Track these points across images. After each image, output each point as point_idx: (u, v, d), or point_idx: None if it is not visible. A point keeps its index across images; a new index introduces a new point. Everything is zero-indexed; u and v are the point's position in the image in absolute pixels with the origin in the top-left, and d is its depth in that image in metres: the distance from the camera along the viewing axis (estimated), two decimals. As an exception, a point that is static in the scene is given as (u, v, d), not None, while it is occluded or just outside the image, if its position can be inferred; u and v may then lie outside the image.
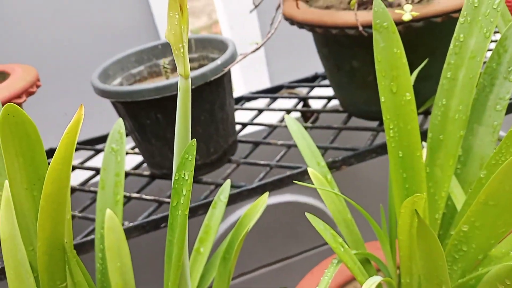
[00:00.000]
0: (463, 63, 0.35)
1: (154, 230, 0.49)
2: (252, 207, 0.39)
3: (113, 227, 0.36)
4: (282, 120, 0.63)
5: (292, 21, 0.54)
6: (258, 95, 0.73)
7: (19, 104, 0.49)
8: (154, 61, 0.58)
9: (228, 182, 0.42)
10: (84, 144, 0.67)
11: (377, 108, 0.38)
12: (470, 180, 0.38)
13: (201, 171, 0.54)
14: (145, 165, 0.59)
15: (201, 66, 0.56)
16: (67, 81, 0.77)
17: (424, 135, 0.39)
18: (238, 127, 0.63)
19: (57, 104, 0.76)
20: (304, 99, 0.70)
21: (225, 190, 0.42)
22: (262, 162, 0.54)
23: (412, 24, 0.45)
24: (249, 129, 0.68)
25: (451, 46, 0.36)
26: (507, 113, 0.37)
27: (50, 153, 0.62)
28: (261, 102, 0.75)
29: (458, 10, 0.45)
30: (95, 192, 0.55)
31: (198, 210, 0.49)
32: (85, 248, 0.48)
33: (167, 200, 0.51)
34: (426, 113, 0.56)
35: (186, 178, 0.28)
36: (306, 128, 0.44)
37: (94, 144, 0.67)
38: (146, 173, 0.56)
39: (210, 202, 0.42)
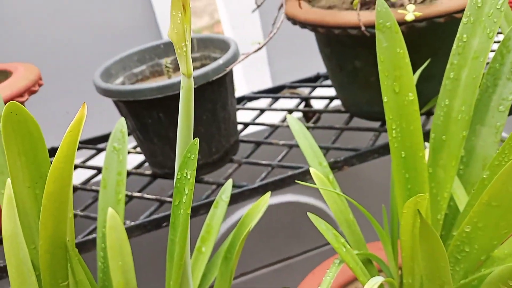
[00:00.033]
0: (466, 64, 0.35)
1: (156, 229, 0.49)
2: (254, 206, 0.39)
3: (115, 226, 0.36)
4: (284, 120, 0.63)
5: (294, 21, 0.53)
6: (260, 95, 0.73)
7: (22, 103, 0.49)
8: (156, 61, 0.59)
9: (230, 182, 0.42)
10: (86, 143, 0.67)
11: (379, 109, 0.38)
12: (473, 181, 0.38)
13: (203, 171, 0.54)
14: (146, 164, 0.59)
15: (203, 65, 0.56)
16: (69, 80, 0.77)
17: (426, 136, 0.39)
18: (240, 126, 0.63)
19: (59, 103, 0.76)
20: (306, 99, 0.70)
21: (227, 190, 0.42)
22: (263, 162, 0.54)
23: (415, 24, 0.45)
24: (251, 129, 0.68)
25: (454, 46, 0.36)
26: (510, 114, 0.37)
27: (52, 152, 0.61)
28: (263, 102, 0.75)
29: (461, 11, 0.45)
30: (96, 191, 0.55)
31: (200, 210, 0.49)
32: (86, 246, 0.48)
33: (169, 199, 0.51)
34: (429, 113, 0.56)
35: (188, 177, 0.28)
36: (308, 128, 0.44)
37: (95, 143, 0.67)
38: (148, 172, 0.56)
39: (212, 202, 0.42)
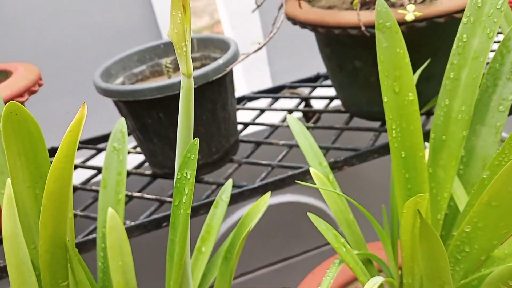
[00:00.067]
0: (466, 64, 0.35)
1: (156, 229, 0.49)
2: (254, 206, 0.39)
3: (115, 226, 0.36)
4: (284, 120, 0.63)
5: (294, 21, 0.53)
6: (260, 95, 0.73)
7: (22, 103, 0.49)
8: (156, 61, 0.58)
9: (229, 182, 0.42)
10: (86, 143, 0.67)
11: (379, 109, 0.38)
12: (473, 181, 0.38)
13: (202, 171, 0.54)
14: (146, 164, 0.59)
15: (203, 65, 0.56)
16: (68, 80, 0.77)
17: (426, 136, 0.39)
18: (240, 127, 0.63)
19: (59, 103, 0.76)
20: (306, 99, 0.70)
21: (227, 190, 0.42)
22: (263, 162, 0.54)
23: (415, 24, 0.45)
24: (250, 129, 0.68)
25: (454, 46, 0.36)
26: (510, 114, 0.37)
27: (52, 152, 0.61)
28: (263, 102, 0.75)
29: (461, 11, 0.45)
30: (96, 191, 0.55)
31: (200, 210, 0.49)
32: (86, 247, 0.48)
33: (169, 199, 0.51)
34: (428, 113, 0.56)
35: (188, 177, 0.28)
36: (307, 128, 0.44)
37: (95, 143, 0.67)
38: (148, 172, 0.56)
39: (212, 202, 0.42)
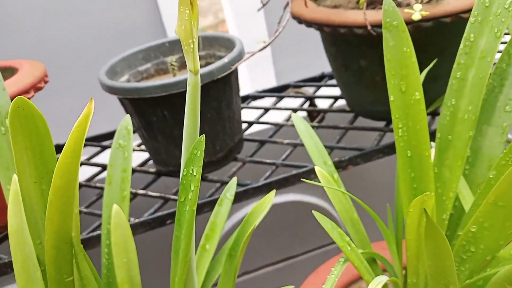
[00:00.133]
0: (473, 63, 0.35)
1: (160, 227, 0.49)
2: (259, 205, 0.39)
3: (119, 223, 0.36)
4: (288, 119, 0.63)
5: (300, 20, 0.53)
6: (264, 94, 0.73)
7: (27, 99, 0.49)
8: (161, 59, 0.59)
9: (234, 180, 0.42)
10: (91, 141, 0.67)
11: (384, 108, 0.38)
12: (478, 181, 0.38)
13: (207, 169, 0.54)
14: (151, 162, 0.59)
15: (208, 64, 0.56)
16: (74, 77, 0.77)
17: (432, 136, 0.39)
18: (244, 125, 0.63)
19: (64, 101, 0.76)
20: (311, 99, 0.70)
21: (231, 188, 0.42)
22: (268, 161, 0.54)
23: (421, 24, 0.45)
24: (255, 128, 0.68)
25: (461, 46, 0.36)
26: (516, 114, 0.37)
27: (57, 149, 0.62)
28: (267, 101, 0.75)
29: (468, 11, 0.45)
30: (101, 188, 0.55)
31: (204, 208, 0.49)
32: (91, 243, 0.48)
33: (173, 197, 0.51)
34: (434, 113, 0.56)
35: (195, 174, 0.28)
36: (312, 127, 0.44)
37: (100, 140, 0.67)
38: (152, 170, 0.56)
39: (216, 200, 0.42)
